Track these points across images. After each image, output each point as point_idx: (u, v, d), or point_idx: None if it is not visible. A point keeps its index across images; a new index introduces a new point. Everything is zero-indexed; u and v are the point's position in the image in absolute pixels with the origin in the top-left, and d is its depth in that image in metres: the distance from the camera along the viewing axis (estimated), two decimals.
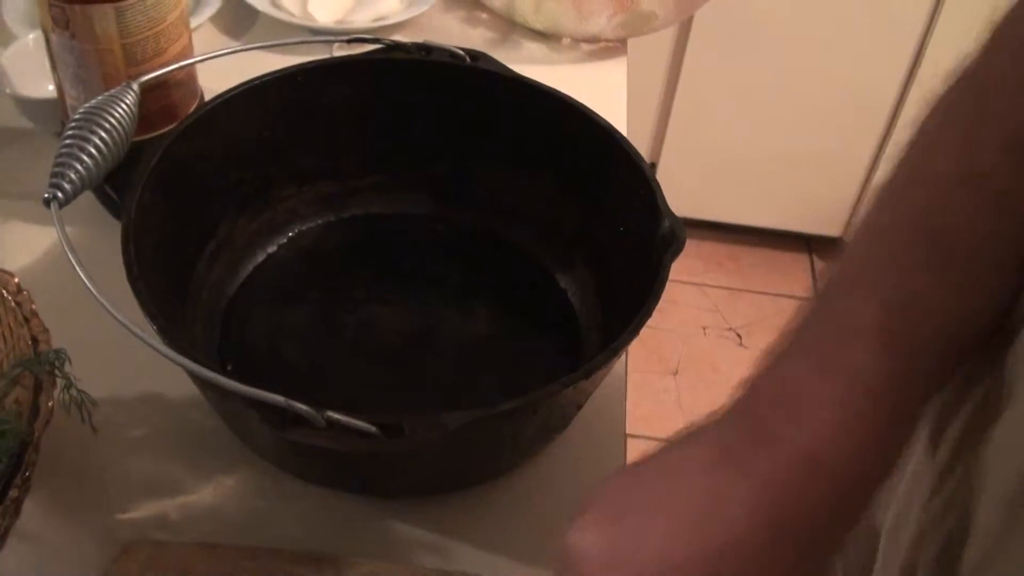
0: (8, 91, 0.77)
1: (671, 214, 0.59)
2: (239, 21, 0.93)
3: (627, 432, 1.95)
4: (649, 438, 1.74)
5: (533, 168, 0.69)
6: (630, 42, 1.52)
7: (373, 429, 0.45)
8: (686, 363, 1.85)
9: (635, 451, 1.67)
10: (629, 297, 0.57)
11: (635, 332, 0.52)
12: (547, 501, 0.59)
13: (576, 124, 0.65)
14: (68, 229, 0.71)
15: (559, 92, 0.66)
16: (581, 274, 0.68)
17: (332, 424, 0.45)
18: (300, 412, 0.45)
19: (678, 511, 0.36)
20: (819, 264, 2.06)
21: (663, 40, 1.74)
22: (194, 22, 0.90)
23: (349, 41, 0.68)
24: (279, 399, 0.45)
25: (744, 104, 1.81)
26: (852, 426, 0.36)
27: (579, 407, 0.58)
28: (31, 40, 0.81)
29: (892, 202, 0.40)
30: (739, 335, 1.91)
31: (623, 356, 0.67)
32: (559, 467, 0.60)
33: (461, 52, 0.68)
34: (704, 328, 1.91)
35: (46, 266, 0.70)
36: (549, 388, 0.49)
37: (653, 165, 1.93)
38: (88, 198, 0.68)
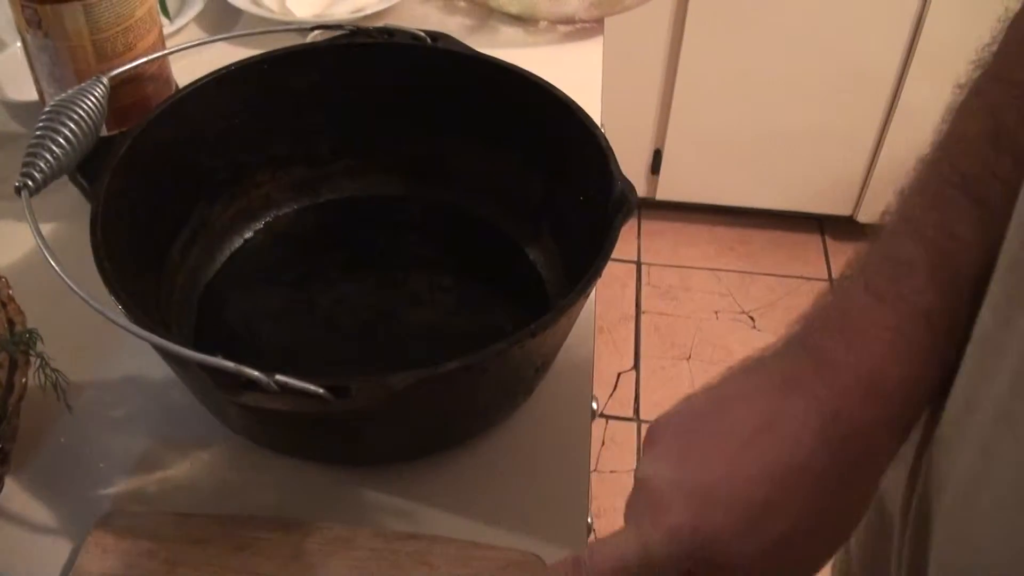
0: None
1: (624, 179, 0.60)
2: (222, 20, 0.96)
3: (640, 418, 1.95)
4: None
5: (498, 144, 0.70)
6: (627, 30, 1.53)
7: (321, 391, 0.47)
8: (699, 348, 1.85)
9: None
10: (589, 264, 0.58)
11: (583, 291, 0.54)
12: (513, 467, 0.60)
13: (534, 97, 0.66)
14: (54, 225, 0.74)
15: (516, 67, 0.68)
16: (548, 246, 0.70)
17: (283, 387, 0.47)
18: (251, 377, 0.47)
19: (743, 436, 0.39)
20: (832, 244, 2.05)
21: (660, 25, 1.75)
22: (179, 22, 0.92)
23: (312, 29, 0.70)
24: (229, 364, 0.47)
25: (746, 86, 1.81)
26: (905, 350, 0.39)
27: (538, 370, 0.60)
28: (18, 47, 0.83)
29: (931, 162, 0.44)
30: (752, 318, 1.91)
31: (592, 322, 0.68)
32: (525, 435, 0.62)
33: (422, 34, 0.70)
34: (716, 312, 1.91)
35: (36, 265, 0.73)
36: (494, 347, 0.50)
37: (659, 152, 1.93)
38: (74, 195, 0.71)
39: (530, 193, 0.70)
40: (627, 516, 0.42)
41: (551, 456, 0.61)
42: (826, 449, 0.38)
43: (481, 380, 0.54)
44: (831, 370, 0.39)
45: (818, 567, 0.41)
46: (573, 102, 0.65)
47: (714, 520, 0.38)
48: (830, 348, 0.40)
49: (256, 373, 0.47)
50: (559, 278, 0.69)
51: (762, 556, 0.39)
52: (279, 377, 0.47)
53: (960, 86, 0.45)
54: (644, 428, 1.84)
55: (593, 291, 0.67)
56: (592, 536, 0.71)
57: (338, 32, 0.70)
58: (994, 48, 0.45)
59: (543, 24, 0.96)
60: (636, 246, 2.04)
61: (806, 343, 0.41)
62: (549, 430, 0.62)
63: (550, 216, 0.69)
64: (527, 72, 0.67)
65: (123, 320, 0.50)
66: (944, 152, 0.44)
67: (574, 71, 0.92)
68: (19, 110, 0.80)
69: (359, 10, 0.94)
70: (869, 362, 0.39)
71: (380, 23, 0.94)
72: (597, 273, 0.54)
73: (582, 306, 0.59)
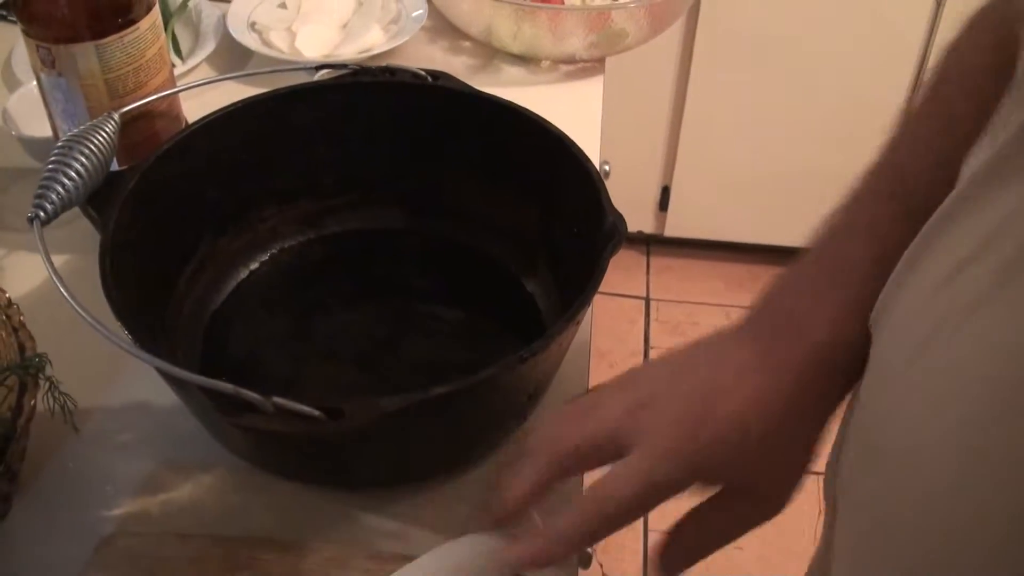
0: (14, 133, 0.83)
1: (615, 211, 0.62)
2: (233, 60, 0.99)
3: None
4: None
5: (496, 178, 0.72)
6: (635, 67, 1.55)
7: (316, 413, 0.49)
8: None
9: None
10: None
11: (572, 319, 0.55)
12: None
13: (530, 132, 0.68)
14: (68, 256, 0.77)
15: (512, 103, 0.70)
16: (545, 277, 0.72)
17: (279, 409, 0.49)
18: (249, 399, 0.49)
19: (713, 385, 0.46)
20: None
21: (667, 63, 1.77)
22: (191, 62, 0.96)
23: (318, 68, 0.72)
24: (228, 387, 0.49)
25: (753, 122, 1.83)
26: (851, 311, 0.45)
27: (530, 397, 0.61)
28: (34, 86, 0.86)
29: (876, 164, 0.51)
30: None
31: (587, 350, 0.70)
32: None
33: (423, 72, 0.72)
34: None
35: (49, 293, 0.75)
36: (483, 373, 0.52)
37: (667, 188, 1.95)
38: (88, 227, 0.74)
39: (527, 226, 0.72)
40: (622, 450, 0.46)
41: None
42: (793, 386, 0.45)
43: (472, 406, 0.55)
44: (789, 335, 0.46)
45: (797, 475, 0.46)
46: (567, 137, 0.67)
47: (703, 436, 0.44)
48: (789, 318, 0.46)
49: (254, 395, 0.49)
50: (555, 309, 0.70)
51: (749, 461, 0.45)
52: (276, 399, 0.49)
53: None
54: None
55: (588, 320, 0.69)
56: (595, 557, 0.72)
57: (343, 71, 0.73)
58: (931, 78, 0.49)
59: (545, 63, 0.99)
60: (645, 282, 2.05)
61: (768, 311, 0.48)
62: None
63: (546, 248, 0.71)
64: (523, 108, 0.69)
65: (129, 345, 0.52)
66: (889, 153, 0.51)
67: (575, 109, 0.95)
68: (34, 146, 0.82)
69: (367, 50, 0.97)
70: (821, 327, 0.45)
71: (386, 63, 0.97)
72: (586, 302, 0.56)
73: (573, 334, 0.61)
